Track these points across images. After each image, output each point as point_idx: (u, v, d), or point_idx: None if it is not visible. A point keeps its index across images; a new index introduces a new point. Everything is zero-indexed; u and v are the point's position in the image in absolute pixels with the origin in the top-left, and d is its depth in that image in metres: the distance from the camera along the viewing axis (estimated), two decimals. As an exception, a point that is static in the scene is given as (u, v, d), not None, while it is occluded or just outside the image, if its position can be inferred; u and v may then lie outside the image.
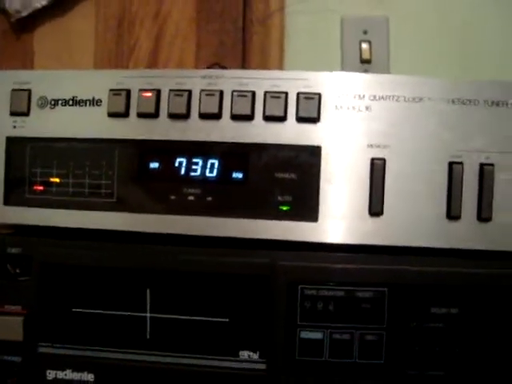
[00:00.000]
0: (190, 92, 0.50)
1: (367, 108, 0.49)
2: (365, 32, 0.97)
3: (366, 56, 0.96)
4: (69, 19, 1.06)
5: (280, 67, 0.97)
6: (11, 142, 0.53)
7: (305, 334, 0.49)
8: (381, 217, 0.49)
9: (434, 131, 0.49)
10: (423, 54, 0.95)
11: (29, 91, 0.53)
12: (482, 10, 0.94)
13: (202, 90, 0.50)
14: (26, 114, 0.53)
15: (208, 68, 0.85)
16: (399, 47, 0.95)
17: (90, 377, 0.51)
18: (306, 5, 0.98)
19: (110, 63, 1.03)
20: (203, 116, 0.50)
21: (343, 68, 0.91)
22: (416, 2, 0.96)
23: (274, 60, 0.99)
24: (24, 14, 1.02)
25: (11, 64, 1.08)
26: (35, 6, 1.02)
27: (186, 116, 0.50)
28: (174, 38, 1.04)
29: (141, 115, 0.51)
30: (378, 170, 0.48)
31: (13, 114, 0.53)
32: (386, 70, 0.91)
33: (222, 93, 0.50)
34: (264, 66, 0.97)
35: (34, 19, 1.06)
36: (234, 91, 0.49)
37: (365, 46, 0.97)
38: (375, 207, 0.48)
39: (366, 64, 0.95)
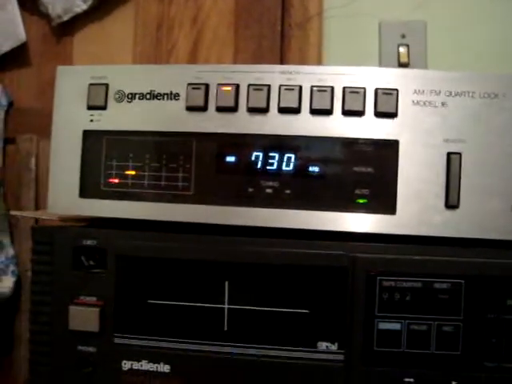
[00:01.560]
0: (269, 87, 0.51)
1: (443, 104, 0.50)
2: (403, 36, 0.98)
3: (403, 60, 0.97)
4: (108, 23, 1.08)
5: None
6: (88, 135, 0.54)
7: (383, 325, 0.49)
8: (457, 210, 0.49)
9: (508, 128, 0.50)
10: (461, 57, 0.97)
11: (106, 85, 0.54)
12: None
13: (282, 85, 0.51)
14: (104, 107, 0.53)
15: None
16: (437, 51, 0.96)
17: (166, 368, 0.52)
18: (344, 9, 1.00)
19: (148, 67, 1.04)
20: (283, 110, 0.51)
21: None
22: (455, 6, 0.97)
23: (312, 64, 1.01)
24: (65, 18, 1.04)
25: (50, 67, 1.09)
26: (76, 11, 1.03)
27: (265, 110, 0.51)
28: (211, 43, 1.05)
29: (220, 109, 0.52)
30: (454, 163, 0.49)
31: (90, 107, 0.54)
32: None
33: (301, 88, 0.51)
34: (302, 70, 0.98)
35: (74, 23, 1.08)
36: (313, 86, 0.51)
37: (402, 49, 0.98)
38: (452, 200, 0.49)
39: (403, 68, 0.96)
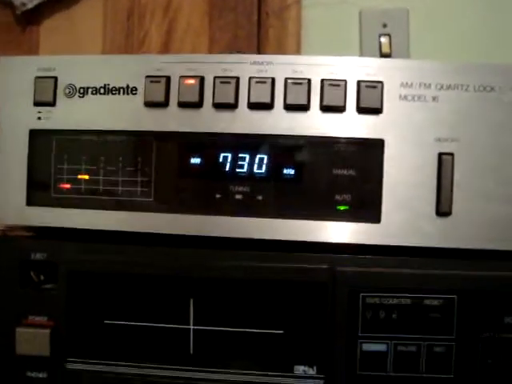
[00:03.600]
0: (237, 79, 0.45)
1: (434, 98, 0.45)
2: (384, 25, 0.93)
3: (385, 50, 0.93)
4: (76, 11, 1.02)
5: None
6: (35, 135, 0.48)
7: (367, 347, 0.44)
8: (449, 217, 0.44)
9: (505, 125, 0.44)
10: (444, 47, 0.92)
11: (55, 78, 0.48)
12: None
13: (252, 78, 0.45)
14: (52, 103, 0.48)
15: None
16: (419, 40, 0.91)
17: (126, 396, 0.46)
18: (323, -3, 0.94)
19: (119, 57, 0.98)
20: (253, 106, 0.45)
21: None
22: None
23: (290, 54, 0.95)
24: (30, 6, 0.98)
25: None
26: (41, -1, 0.96)
27: (233, 106, 0.45)
28: (185, 33, 0.99)
29: (182, 105, 0.46)
30: (446, 165, 0.44)
31: (37, 104, 0.48)
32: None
33: (273, 80, 0.45)
34: (280, 60, 0.93)
35: (40, 11, 1.01)
36: (287, 79, 0.45)
37: (384, 39, 0.93)
38: (443, 206, 0.44)
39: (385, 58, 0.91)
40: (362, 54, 0.91)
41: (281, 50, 0.95)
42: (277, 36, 0.96)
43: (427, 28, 0.91)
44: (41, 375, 0.47)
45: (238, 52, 0.79)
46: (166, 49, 1.00)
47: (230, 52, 0.82)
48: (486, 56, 0.87)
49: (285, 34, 0.95)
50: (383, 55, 0.92)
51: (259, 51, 0.95)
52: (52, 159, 0.48)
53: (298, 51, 0.94)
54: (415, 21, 0.91)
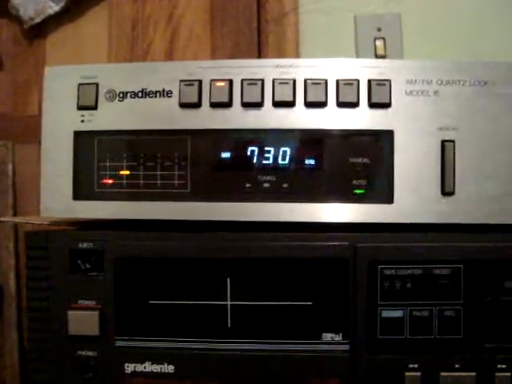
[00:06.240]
0: (262, 81, 0.51)
1: (435, 92, 0.51)
2: (378, 29, 0.99)
3: (380, 52, 0.99)
4: (81, 24, 1.06)
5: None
6: (79, 136, 0.53)
7: (386, 313, 0.50)
8: (453, 196, 0.50)
9: (499, 114, 0.51)
10: (435, 49, 0.98)
11: (96, 85, 0.53)
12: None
13: (275, 79, 0.51)
14: (94, 107, 0.53)
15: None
16: (412, 43, 0.98)
17: (170, 368, 0.51)
18: (319, 4, 1.00)
19: (125, 67, 1.03)
20: (277, 104, 0.51)
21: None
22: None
23: (289, 58, 1.01)
24: (37, 20, 1.02)
25: (23, 70, 1.07)
26: (48, 13, 1.01)
27: (259, 104, 0.51)
28: (188, 41, 1.05)
29: (214, 105, 0.51)
30: (448, 151, 0.50)
31: (80, 108, 0.53)
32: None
33: (294, 81, 0.51)
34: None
35: (47, 25, 1.06)
36: (306, 79, 0.51)
37: (379, 43, 0.99)
38: (447, 187, 0.50)
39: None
40: (357, 57, 0.97)
41: (280, 54, 1.00)
42: (276, 42, 1.01)
43: (419, 30, 0.97)
44: (91, 353, 0.52)
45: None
46: (169, 57, 1.05)
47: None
48: (476, 54, 0.93)
49: (284, 40, 1.01)
50: (378, 57, 0.98)
51: (260, 57, 1.01)
52: (95, 157, 0.53)
53: (296, 55, 1.00)
54: (407, 24, 0.98)
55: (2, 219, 0.71)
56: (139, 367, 0.51)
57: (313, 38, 1.01)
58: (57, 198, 0.53)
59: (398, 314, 0.50)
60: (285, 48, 1.01)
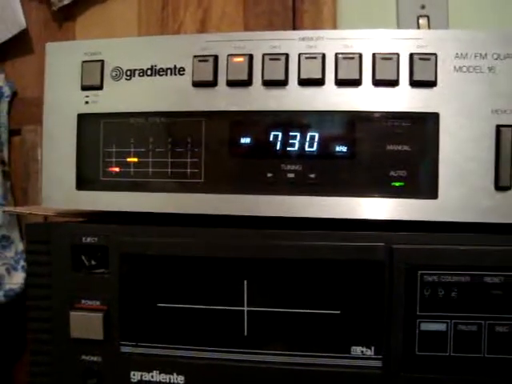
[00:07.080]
0: (287, 56, 0.44)
1: (490, 69, 0.43)
2: (422, 7, 0.91)
3: (424, 31, 0.90)
4: (110, 5, 1.03)
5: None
6: (83, 119, 0.48)
7: (426, 326, 0.43)
8: (509, 191, 0.43)
9: None
10: (485, 26, 0.89)
11: (101, 62, 0.47)
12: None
13: (301, 54, 0.44)
14: (99, 87, 0.48)
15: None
16: (458, 21, 0.89)
17: (180, 379, 0.46)
18: (359, -19, 0.93)
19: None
20: (304, 82, 0.44)
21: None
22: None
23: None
24: (66, 1, 0.99)
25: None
26: (77, -6, 0.98)
27: (283, 83, 0.44)
28: (220, 21, 0.99)
29: (231, 83, 0.45)
30: (505, 137, 0.43)
31: (84, 88, 0.48)
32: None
33: (324, 56, 0.44)
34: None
35: (76, 7, 1.03)
36: (337, 54, 0.44)
37: (422, 21, 0.91)
38: (503, 180, 0.43)
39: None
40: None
41: (317, 35, 0.93)
42: (312, 21, 0.95)
43: (467, 7, 0.89)
44: (95, 358, 0.47)
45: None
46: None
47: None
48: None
49: (320, 20, 0.94)
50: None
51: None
52: (100, 143, 0.48)
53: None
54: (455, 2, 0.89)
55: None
56: (146, 376, 0.46)
57: (351, 18, 0.94)
58: (59, 188, 0.48)
59: (440, 327, 0.43)
60: (321, 28, 0.94)
